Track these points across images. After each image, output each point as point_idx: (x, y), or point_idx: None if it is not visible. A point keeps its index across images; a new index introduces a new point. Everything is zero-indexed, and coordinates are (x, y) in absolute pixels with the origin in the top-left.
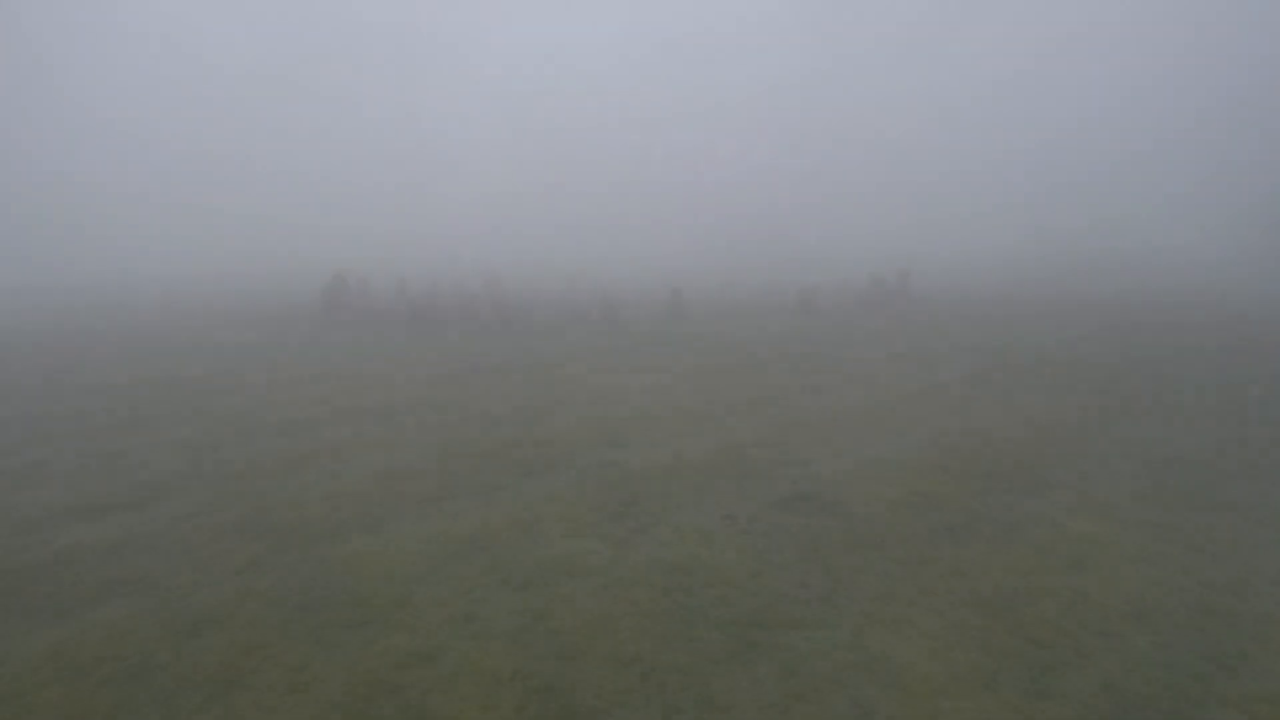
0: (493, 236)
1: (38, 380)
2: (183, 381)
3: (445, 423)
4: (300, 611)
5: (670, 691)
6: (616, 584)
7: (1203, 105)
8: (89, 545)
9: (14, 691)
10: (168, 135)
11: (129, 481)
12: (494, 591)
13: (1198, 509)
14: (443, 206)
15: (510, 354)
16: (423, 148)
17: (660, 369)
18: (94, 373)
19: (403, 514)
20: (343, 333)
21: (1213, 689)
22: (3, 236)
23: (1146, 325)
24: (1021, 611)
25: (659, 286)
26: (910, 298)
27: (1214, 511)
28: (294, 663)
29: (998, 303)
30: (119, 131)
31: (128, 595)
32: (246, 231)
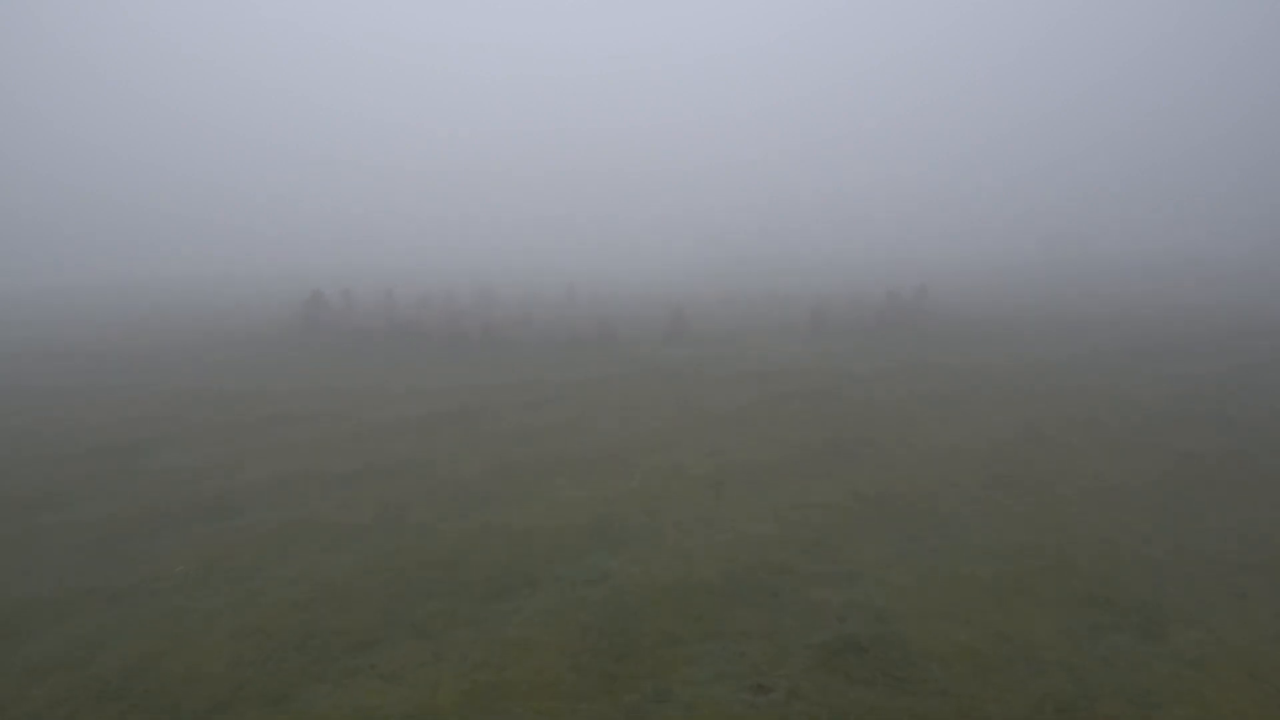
0: (488, 244)
1: None
2: (125, 422)
3: (401, 503)
4: None
5: None
6: None
7: (1220, 113)
8: None
9: None
10: (152, 145)
11: None
12: None
13: None
14: (438, 214)
15: (494, 391)
16: (416, 156)
17: (662, 413)
18: (21, 414)
19: (322, 672)
20: (317, 356)
21: None
22: None
23: (1185, 340)
24: None
25: (659, 297)
26: (928, 314)
27: None
28: None
29: (1023, 321)
30: (104, 140)
31: None
32: (235, 243)
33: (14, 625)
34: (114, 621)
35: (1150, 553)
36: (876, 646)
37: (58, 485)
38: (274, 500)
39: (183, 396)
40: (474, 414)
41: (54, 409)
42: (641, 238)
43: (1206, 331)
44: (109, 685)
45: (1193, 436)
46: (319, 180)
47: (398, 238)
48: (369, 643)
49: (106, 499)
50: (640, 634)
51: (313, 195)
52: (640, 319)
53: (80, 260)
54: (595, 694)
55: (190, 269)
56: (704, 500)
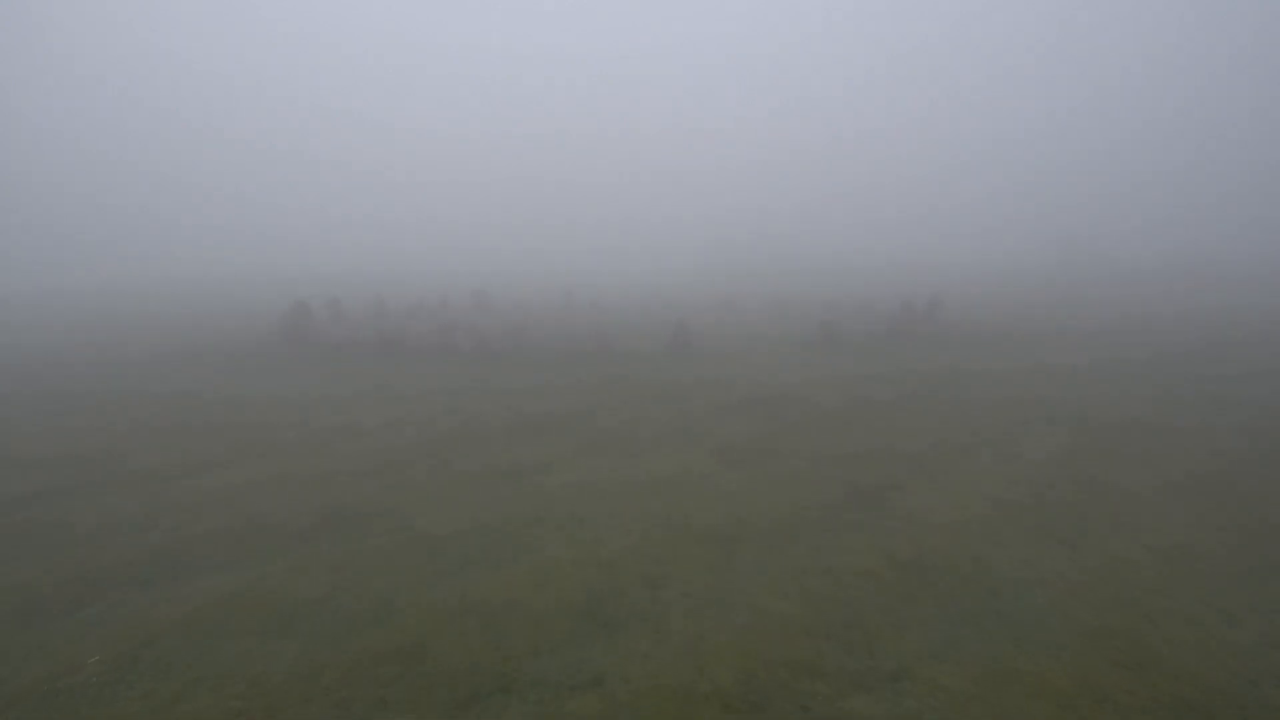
0: (492, 247)
1: None
2: (72, 455)
3: (362, 565)
4: None
5: None
6: None
7: (1232, 114)
8: None
9: None
10: (151, 148)
11: None
12: None
13: None
14: (442, 217)
15: (480, 416)
16: (421, 159)
17: (664, 447)
18: None
19: None
20: (296, 375)
21: None
22: None
23: (1209, 346)
24: None
25: (662, 301)
26: (942, 324)
27: None
28: None
29: (1042, 332)
30: (103, 143)
31: None
32: (234, 246)
33: None
34: None
35: (1240, 639)
36: None
37: None
38: (220, 560)
39: (146, 422)
40: (455, 445)
41: (5, 430)
42: (645, 239)
43: (1229, 335)
44: None
45: (1253, 470)
46: (322, 183)
47: (400, 241)
48: None
49: (30, 558)
50: None
51: (315, 198)
52: (641, 328)
53: (78, 263)
54: None
55: (187, 271)
56: (715, 564)
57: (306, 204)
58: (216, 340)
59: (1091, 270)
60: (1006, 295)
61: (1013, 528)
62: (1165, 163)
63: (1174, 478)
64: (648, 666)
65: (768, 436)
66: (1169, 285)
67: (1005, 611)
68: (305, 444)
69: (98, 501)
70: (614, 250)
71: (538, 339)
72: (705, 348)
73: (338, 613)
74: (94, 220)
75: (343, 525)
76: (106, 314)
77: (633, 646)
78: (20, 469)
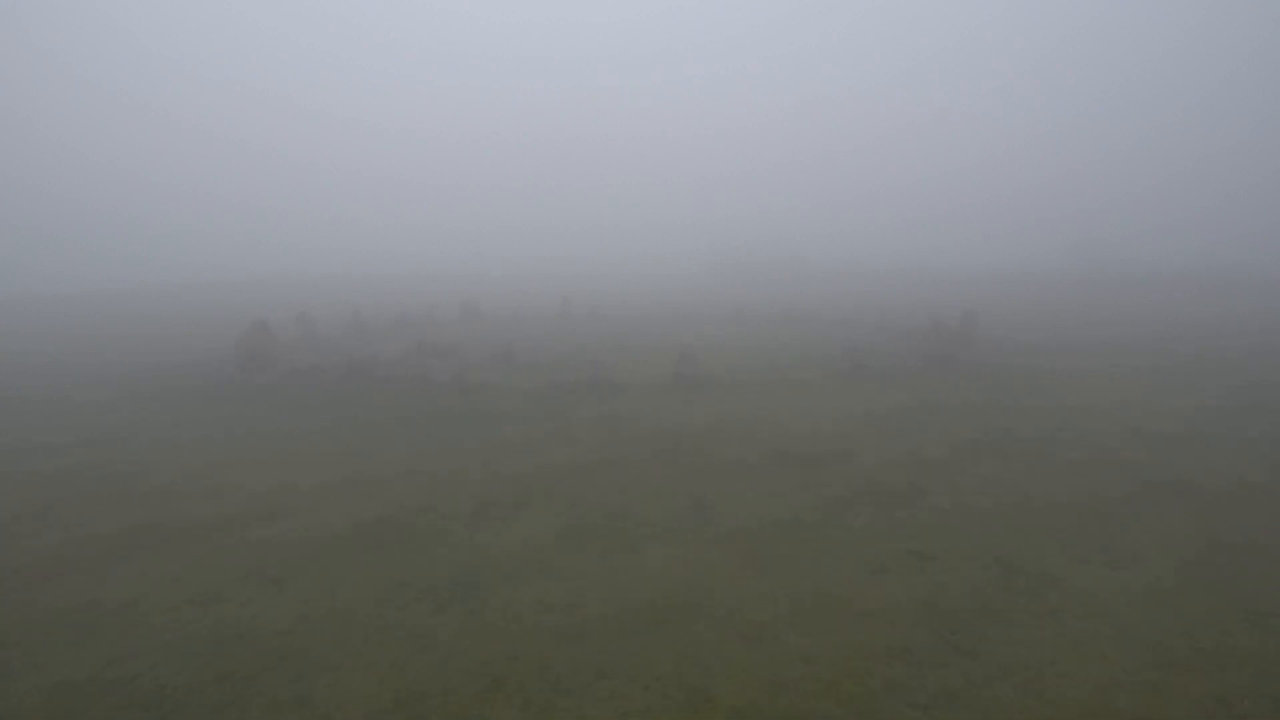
0: (488, 252)
1: None
2: None
3: None
4: None
5: None
6: None
7: (1248, 116)
8: None
9: None
10: (149, 153)
11: None
12: None
13: None
14: (442, 223)
15: (443, 482)
16: (428, 166)
17: (668, 538)
18: None
19: None
20: (234, 416)
21: None
22: None
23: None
24: None
25: (665, 315)
26: (981, 341)
27: None
28: None
29: (1088, 351)
30: (104, 148)
31: None
32: (230, 252)
33: None
34: None
35: None
36: None
37: None
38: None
39: (23, 481)
40: (401, 533)
41: None
42: (651, 242)
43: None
44: None
45: None
46: (322, 187)
47: (404, 246)
48: None
49: None
50: None
51: (314, 201)
52: (644, 347)
53: (70, 267)
54: None
55: (179, 276)
56: None
57: (306, 207)
58: (166, 363)
59: (1113, 274)
60: (1034, 300)
61: (1179, 695)
62: (1179, 165)
63: None
64: None
65: (802, 517)
66: (1195, 290)
67: None
68: (210, 528)
69: None
70: (618, 254)
71: (526, 361)
72: (714, 373)
73: None
74: (93, 224)
75: (218, 689)
76: (69, 323)
77: None
78: None
